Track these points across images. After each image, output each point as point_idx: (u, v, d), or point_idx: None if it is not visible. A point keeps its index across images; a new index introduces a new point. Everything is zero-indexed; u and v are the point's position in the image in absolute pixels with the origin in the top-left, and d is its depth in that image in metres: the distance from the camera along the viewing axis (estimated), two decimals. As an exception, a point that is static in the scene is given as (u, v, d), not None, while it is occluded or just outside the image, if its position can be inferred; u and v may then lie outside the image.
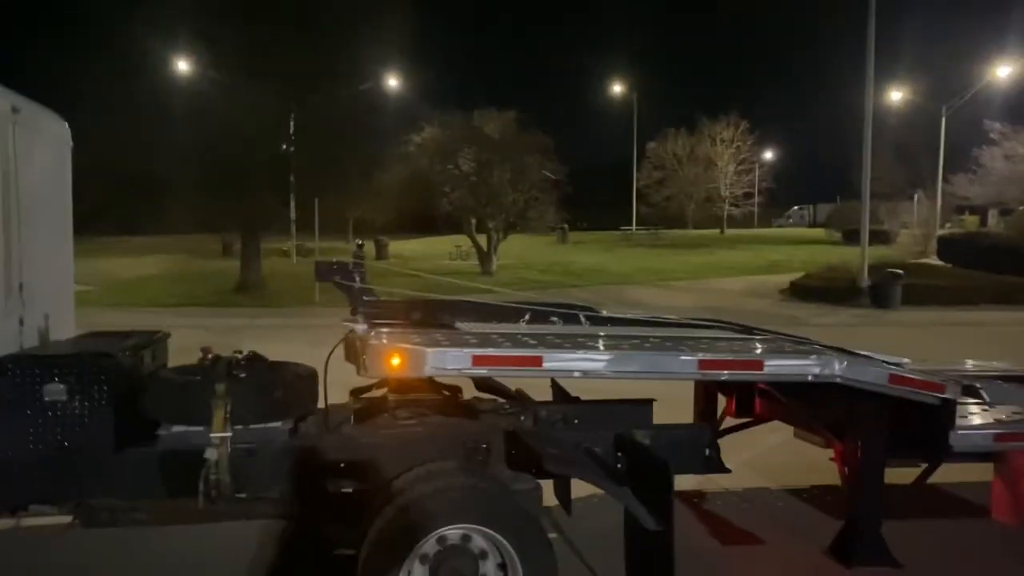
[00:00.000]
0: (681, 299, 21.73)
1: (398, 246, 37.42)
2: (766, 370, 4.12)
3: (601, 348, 4.20)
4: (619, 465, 4.25)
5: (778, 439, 5.63)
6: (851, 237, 37.35)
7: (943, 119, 36.29)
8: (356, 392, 4.91)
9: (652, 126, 52.05)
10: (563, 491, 4.43)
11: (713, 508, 5.77)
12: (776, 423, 5.44)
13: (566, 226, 35.75)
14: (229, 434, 3.93)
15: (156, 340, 4.66)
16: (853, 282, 23.11)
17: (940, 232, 34.73)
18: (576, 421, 4.47)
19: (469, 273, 28.82)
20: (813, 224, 56.81)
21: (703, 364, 4.04)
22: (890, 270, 23.09)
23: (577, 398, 4.74)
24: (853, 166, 37.91)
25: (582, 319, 5.09)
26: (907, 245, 35.02)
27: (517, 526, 3.82)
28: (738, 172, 54.59)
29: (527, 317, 4.98)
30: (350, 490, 4.07)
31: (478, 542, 3.84)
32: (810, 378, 4.09)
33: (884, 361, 4.42)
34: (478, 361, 3.90)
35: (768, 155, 58.14)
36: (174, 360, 4.65)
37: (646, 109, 49.22)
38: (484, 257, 31.10)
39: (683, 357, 4.06)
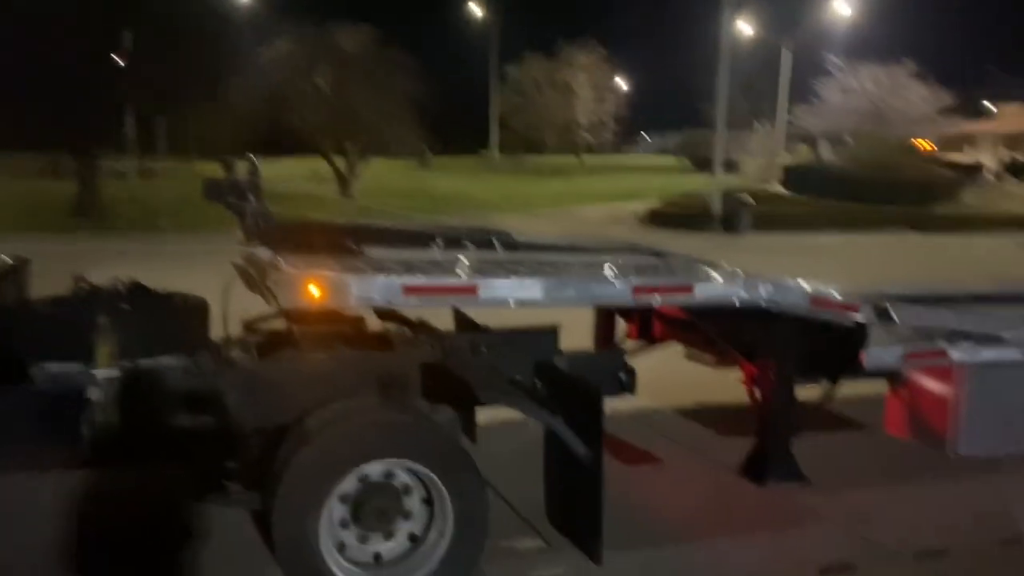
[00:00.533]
0: (548, 228, 21.79)
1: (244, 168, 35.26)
2: (696, 294, 4.07)
3: (534, 276, 4.01)
4: (542, 393, 4.11)
5: (659, 359, 5.70)
6: (700, 165, 38.76)
7: (786, 51, 37.84)
8: (250, 324, 4.52)
9: (512, 49, 51.31)
10: (466, 421, 4.28)
11: (613, 431, 5.78)
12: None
13: (427, 150, 34.95)
14: (115, 371, 3.53)
15: (16, 267, 4.08)
16: (705, 209, 24.01)
17: (783, 161, 36.53)
18: (488, 350, 4.30)
19: (329, 199, 27.78)
20: (663, 151, 58.47)
21: (638, 290, 3.95)
22: (738, 197, 24.14)
23: (485, 327, 4.55)
24: (701, 95, 39.26)
25: (497, 244, 4.85)
26: (752, 173, 36.64)
27: (443, 457, 3.64)
28: (594, 99, 54.93)
29: (439, 242, 4.69)
30: (255, 430, 3.75)
31: (401, 477, 3.65)
32: (737, 303, 4.08)
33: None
34: (409, 291, 3.62)
35: (622, 82, 58.74)
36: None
37: (506, 32, 48.35)
38: (343, 182, 30.04)
39: (618, 283, 3.95)
